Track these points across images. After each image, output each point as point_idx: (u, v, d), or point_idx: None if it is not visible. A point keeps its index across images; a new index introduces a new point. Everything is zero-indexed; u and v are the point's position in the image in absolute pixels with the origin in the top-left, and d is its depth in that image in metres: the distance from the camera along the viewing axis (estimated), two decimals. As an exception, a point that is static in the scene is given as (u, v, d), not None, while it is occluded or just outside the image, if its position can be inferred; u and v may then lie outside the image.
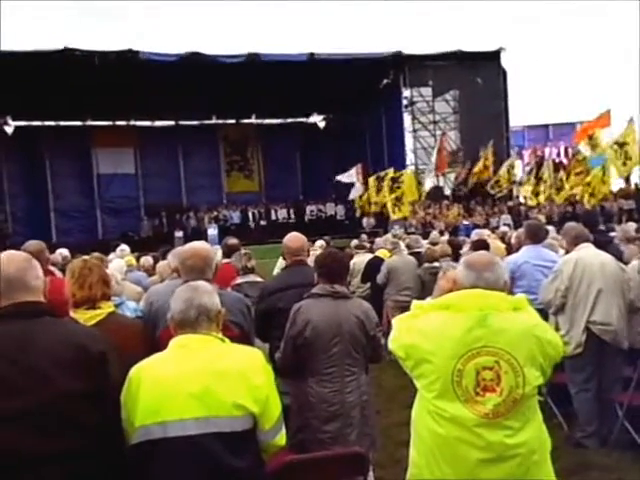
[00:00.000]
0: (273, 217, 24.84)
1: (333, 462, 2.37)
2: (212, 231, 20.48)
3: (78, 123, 25.50)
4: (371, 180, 20.37)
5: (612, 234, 6.79)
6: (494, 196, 22.40)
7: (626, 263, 4.55)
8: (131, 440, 1.89)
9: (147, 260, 6.97)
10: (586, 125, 20.02)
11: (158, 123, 27.23)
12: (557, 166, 20.01)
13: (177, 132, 26.84)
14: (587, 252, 4.28)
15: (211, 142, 27.48)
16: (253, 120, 28.64)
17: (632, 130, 16.88)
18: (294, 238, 3.73)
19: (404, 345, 2.13)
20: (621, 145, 16.84)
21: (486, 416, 1.99)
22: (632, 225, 6.44)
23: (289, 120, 29.10)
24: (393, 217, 19.28)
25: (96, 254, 4.65)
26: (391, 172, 19.60)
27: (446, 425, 2.03)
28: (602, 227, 8.23)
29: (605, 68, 56.54)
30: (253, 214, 24.78)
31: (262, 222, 24.39)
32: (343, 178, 21.78)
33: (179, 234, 20.17)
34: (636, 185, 19.09)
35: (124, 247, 7.77)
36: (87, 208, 25.70)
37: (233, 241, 5.29)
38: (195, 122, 27.37)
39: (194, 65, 20.53)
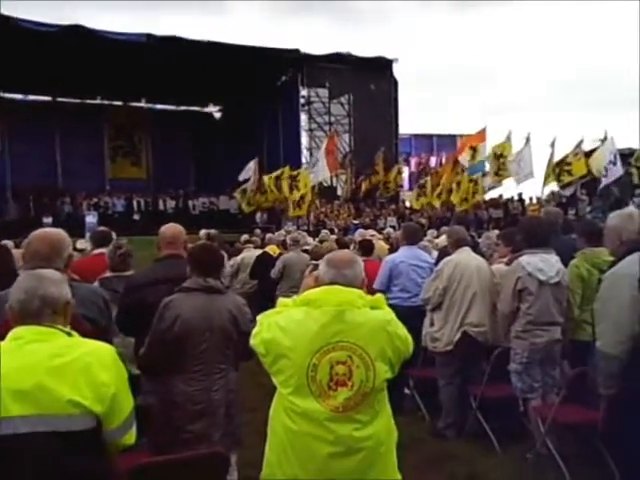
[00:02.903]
0: (161, 207, 23.79)
1: (190, 463, 2.27)
2: (91, 219, 19.01)
3: None
4: (267, 177, 20.27)
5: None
6: (381, 199, 23.42)
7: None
8: None
9: (7, 245, 6.30)
10: (466, 139, 21.55)
11: (31, 97, 24.92)
12: (438, 175, 21.34)
13: (54, 109, 24.71)
14: (466, 255, 4.54)
15: (94, 124, 25.64)
16: (143, 104, 27.25)
17: (509, 145, 18.41)
18: (170, 227, 3.57)
19: (264, 340, 2.12)
20: (497, 157, 18.35)
21: (336, 410, 2.03)
22: (495, 232, 6.99)
23: (182, 108, 28.09)
24: (292, 215, 19.35)
25: None
26: (287, 170, 19.64)
27: (298, 420, 2.04)
28: (472, 232, 8.86)
29: (485, 84, 61.28)
30: (139, 203, 23.55)
31: (148, 212, 23.27)
32: (243, 174, 21.45)
33: (48, 220, 18.42)
34: (500, 196, 20.94)
35: (-27, 230, 6.97)
36: (-59, 187, 22.97)
37: (104, 229, 4.94)
38: (76, 100, 25.39)
39: (77, 39, 19.07)
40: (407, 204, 24.24)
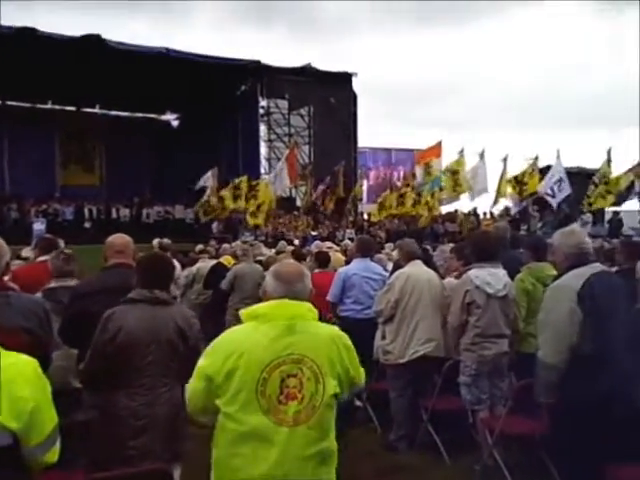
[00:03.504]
0: (114, 215, 23.15)
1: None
2: (39, 226, 18.20)
3: None
4: (226, 187, 20.14)
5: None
6: (341, 210, 23.51)
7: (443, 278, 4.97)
8: None
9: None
10: (422, 153, 22.04)
11: (-23, 100, 24.07)
12: (396, 188, 21.70)
13: (3, 113, 23.78)
14: (417, 268, 4.58)
15: (45, 129, 24.78)
16: (97, 110, 26.63)
17: (462, 161, 18.96)
18: (118, 236, 3.53)
19: (207, 366, 2.06)
20: (453, 173, 18.85)
21: (287, 424, 1.99)
22: (449, 246, 7.12)
23: (139, 114, 27.56)
24: (251, 223, 19.24)
25: None
26: (245, 180, 19.54)
27: (244, 439, 1.99)
28: (428, 246, 8.98)
29: (442, 101, 62.78)
30: (90, 211, 22.83)
31: (100, 220, 22.59)
32: (200, 183, 21.22)
33: (-7, 226, 17.69)
34: (456, 210, 21.42)
35: None
36: None
37: (50, 237, 4.75)
38: (27, 104, 24.56)
39: (28, 41, 18.47)
40: (365, 216, 24.47)
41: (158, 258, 3.15)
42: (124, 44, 20.15)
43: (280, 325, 2.04)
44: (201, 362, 2.11)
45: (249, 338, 2.03)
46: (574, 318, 2.78)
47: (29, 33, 18.68)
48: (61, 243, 4.93)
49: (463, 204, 20.66)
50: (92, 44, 19.47)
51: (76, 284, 3.63)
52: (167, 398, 2.84)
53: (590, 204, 16.64)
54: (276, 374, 1.99)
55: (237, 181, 19.69)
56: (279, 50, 55.72)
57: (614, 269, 4.33)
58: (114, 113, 27.09)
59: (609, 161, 16.41)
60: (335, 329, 2.21)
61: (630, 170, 16.28)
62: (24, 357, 1.82)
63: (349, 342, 2.17)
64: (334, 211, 23.39)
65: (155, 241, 9.07)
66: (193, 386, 2.12)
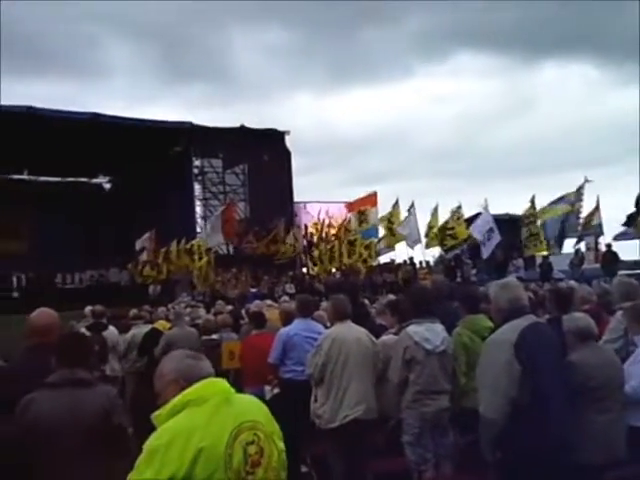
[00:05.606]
0: (45, 282, 21.96)
1: None
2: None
3: None
4: (163, 250, 19.86)
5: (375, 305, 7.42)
6: (279, 265, 23.40)
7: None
8: None
9: None
10: (356, 202, 22.61)
11: None
12: (331, 240, 21.97)
13: None
14: (346, 328, 4.44)
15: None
16: (25, 176, 25.87)
17: (397, 212, 19.52)
18: (42, 314, 3.32)
19: (154, 475, 1.85)
20: (388, 222, 19.38)
21: None
22: (388, 297, 7.13)
23: (69, 179, 26.93)
24: (201, 288, 18.89)
25: None
26: (175, 245, 19.37)
27: None
28: (366, 300, 8.92)
29: (375, 152, 64.31)
30: (18, 279, 21.68)
31: (30, 288, 21.36)
32: (139, 244, 20.82)
33: None
34: (393, 260, 21.77)
35: None
36: None
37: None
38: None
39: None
40: (304, 270, 24.40)
41: (76, 336, 3.10)
42: (52, 110, 19.90)
43: (218, 402, 1.98)
44: (145, 474, 1.87)
45: (195, 427, 1.91)
46: (512, 371, 2.79)
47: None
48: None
49: (399, 253, 21.12)
50: (21, 112, 19.11)
51: None
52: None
53: (528, 248, 17.26)
54: (237, 446, 1.94)
55: (172, 246, 19.48)
56: (205, 110, 55.96)
57: (546, 316, 4.46)
58: (43, 179, 26.38)
59: (533, 208, 17.27)
60: (255, 398, 2.24)
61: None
62: None
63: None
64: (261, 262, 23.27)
65: (87, 309, 8.65)
66: None
